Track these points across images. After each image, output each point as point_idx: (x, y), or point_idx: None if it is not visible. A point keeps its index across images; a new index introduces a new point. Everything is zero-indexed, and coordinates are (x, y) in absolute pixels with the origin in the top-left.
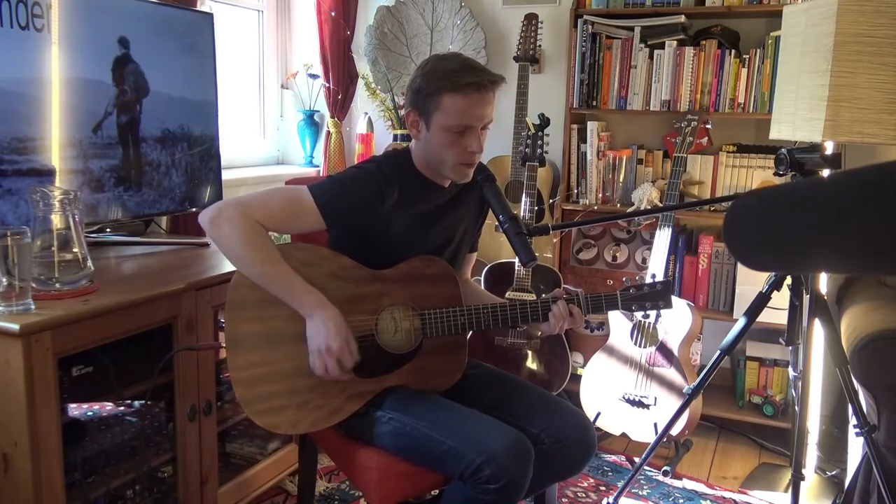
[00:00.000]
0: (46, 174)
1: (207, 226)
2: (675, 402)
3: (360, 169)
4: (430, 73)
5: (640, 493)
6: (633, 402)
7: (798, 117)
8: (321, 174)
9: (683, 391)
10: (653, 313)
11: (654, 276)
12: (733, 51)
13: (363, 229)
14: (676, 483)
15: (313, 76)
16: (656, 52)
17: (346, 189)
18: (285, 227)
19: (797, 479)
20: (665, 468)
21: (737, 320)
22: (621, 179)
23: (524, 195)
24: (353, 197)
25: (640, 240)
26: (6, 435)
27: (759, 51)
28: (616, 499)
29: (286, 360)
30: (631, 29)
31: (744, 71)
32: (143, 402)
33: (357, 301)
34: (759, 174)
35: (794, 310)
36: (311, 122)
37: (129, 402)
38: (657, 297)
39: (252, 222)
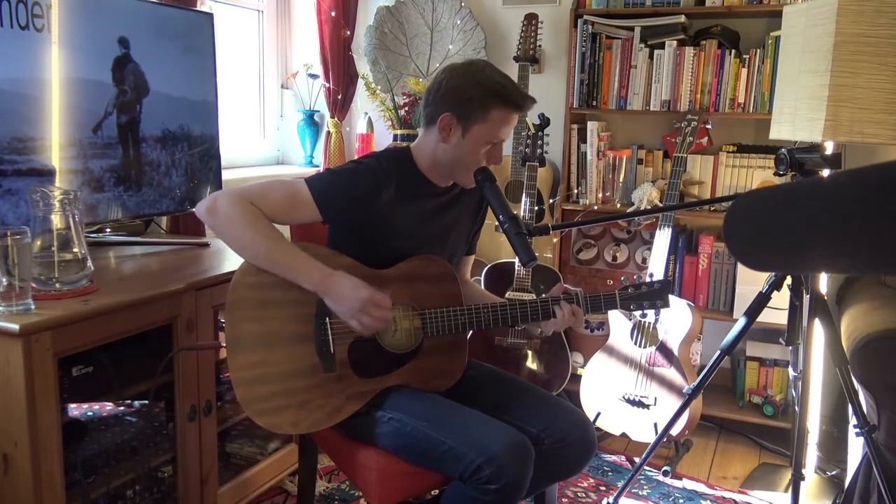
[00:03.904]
0: (46, 174)
1: (204, 215)
2: (675, 402)
3: (359, 163)
4: (482, 84)
5: (640, 493)
6: (633, 402)
7: (798, 117)
8: None
9: (683, 391)
10: (651, 313)
11: (651, 275)
12: (733, 51)
13: (359, 224)
14: (676, 483)
15: (313, 76)
16: (656, 52)
17: (343, 182)
18: (282, 218)
19: (797, 479)
20: (665, 468)
21: (737, 320)
22: (621, 179)
23: (524, 195)
24: (350, 190)
25: (640, 240)
26: (6, 435)
27: (759, 51)
28: (616, 499)
29: (286, 361)
30: (631, 29)
31: (744, 71)
32: (143, 402)
33: None
34: (759, 174)
35: (794, 310)
36: (311, 122)
37: (129, 402)
38: (655, 296)
39: (250, 205)
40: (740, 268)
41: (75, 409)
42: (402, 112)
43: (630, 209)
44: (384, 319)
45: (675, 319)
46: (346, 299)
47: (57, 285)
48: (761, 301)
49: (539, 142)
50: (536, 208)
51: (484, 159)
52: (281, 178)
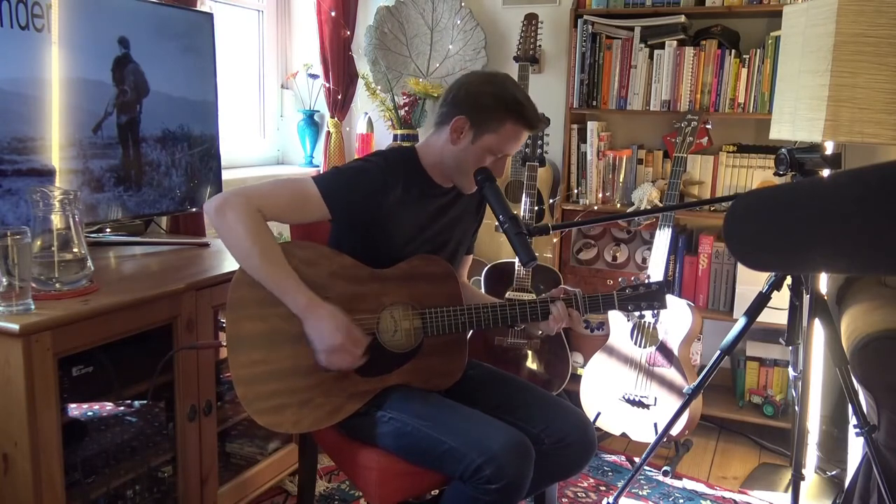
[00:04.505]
0: (46, 174)
1: (212, 214)
2: (675, 402)
3: (366, 161)
4: (501, 96)
5: (640, 493)
6: (633, 402)
7: (798, 117)
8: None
9: (683, 391)
10: (649, 314)
11: (648, 276)
12: (733, 51)
13: (365, 223)
14: (676, 483)
15: (313, 76)
16: (656, 52)
17: (351, 180)
18: (291, 218)
19: (797, 479)
20: (665, 468)
21: (737, 320)
22: (621, 179)
23: (524, 195)
24: (358, 188)
25: (640, 240)
26: (6, 435)
27: (759, 51)
28: (616, 499)
29: (287, 359)
30: (631, 29)
31: (744, 71)
32: (143, 402)
33: (357, 300)
34: (759, 174)
35: (794, 310)
36: (311, 122)
37: (129, 402)
38: (652, 297)
39: (256, 214)
40: (740, 268)
41: (75, 409)
42: (402, 112)
43: (630, 209)
44: (345, 368)
45: (675, 319)
46: (322, 336)
47: (57, 285)
48: (761, 301)
49: (539, 142)
50: (536, 208)
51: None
52: (288, 177)
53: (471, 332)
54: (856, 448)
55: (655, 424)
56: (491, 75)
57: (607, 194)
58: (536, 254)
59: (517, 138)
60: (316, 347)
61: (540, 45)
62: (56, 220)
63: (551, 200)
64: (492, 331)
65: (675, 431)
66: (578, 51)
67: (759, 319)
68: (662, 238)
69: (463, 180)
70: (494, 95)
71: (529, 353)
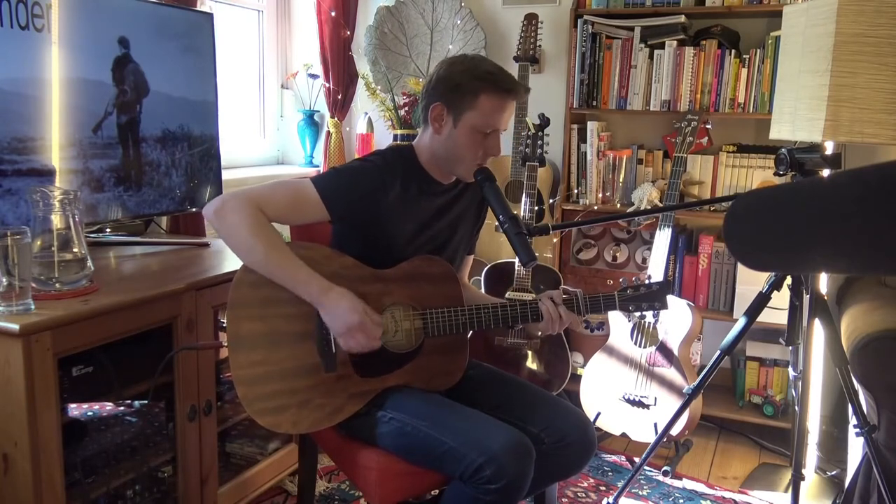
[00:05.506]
0: (46, 174)
1: (212, 216)
2: (675, 402)
3: (364, 161)
4: (470, 71)
5: (640, 493)
6: (633, 402)
7: (798, 117)
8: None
9: (683, 391)
10: (650, 314)
11: (649, 276)
12: (733, 51)
13: (365, 222)
14: (676, 483)
15: (313, 76)
16: (656, 52)
17: (349, 180)
18: (289, 219)
19: (797, 479)
20: (665, 468)
21: (737, 320)
22: (621, 179)
23: (524, 195)
24: (357, 188)
25: (640, 240)
26: (6, 435)
27: (759, 51)
28: (616, 499)
29: (288, 360)
30: (631, 29)
31: (744, 71)
32: (143, 402)
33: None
34: (759, 174)
35: (794, 310)
36: (311, 122)
37: (129, 402)
38: (653, 297)
39: (256, 212)
40: (740, 268)
41: (75, 409)
42: (402, 112)
43: (630, 209)
44: (368, 347)
45: (675, 319)
46: (339, 319)
47: (57, 285)
48: (761, 301)
49: (539, 142)
50: (536, 208)
51: (480, 150)
52: (287, 179)
53: (471, 332)
54: (856, 448)
55: (655, 424)
56: (459, 56)
57: (607, 194)
58: (536, 254)
59: (499, 109)
60: (335, 332)
61: (540, 45)
62: (56, 220)
63: (551, 200)
64: (492, 331)
65: (675, 431)
66: (578, 51)
67: (759, 319)
68: (662, 238)
69: (460, 169)
70: (463, 73)
71: (529, 353)
